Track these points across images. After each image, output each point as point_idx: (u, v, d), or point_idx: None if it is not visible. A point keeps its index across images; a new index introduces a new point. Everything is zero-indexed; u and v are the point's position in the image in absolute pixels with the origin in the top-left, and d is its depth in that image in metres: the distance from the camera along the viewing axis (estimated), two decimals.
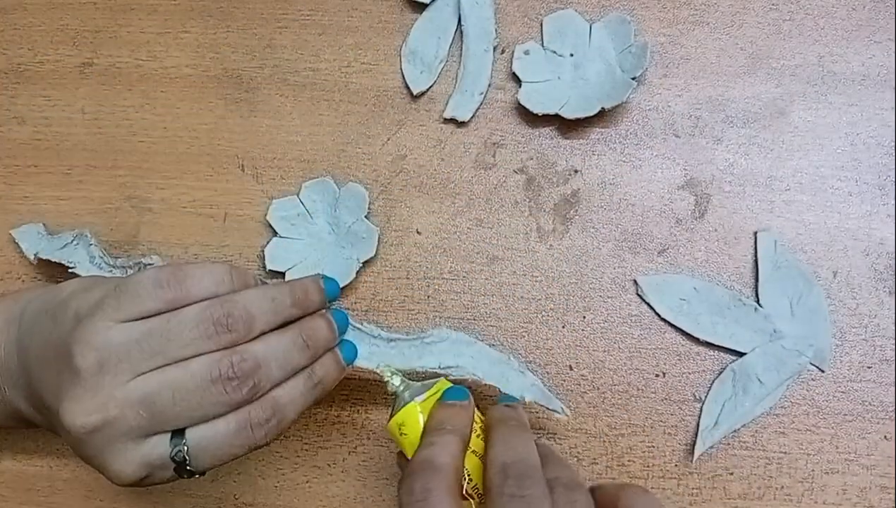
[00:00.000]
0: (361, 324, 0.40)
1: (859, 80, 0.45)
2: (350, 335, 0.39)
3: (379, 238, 0.44)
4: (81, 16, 0.49)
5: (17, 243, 0.45)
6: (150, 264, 0.42)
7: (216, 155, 0.46)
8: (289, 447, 0.43)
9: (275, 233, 0.45)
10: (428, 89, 0.46)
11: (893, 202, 0.43)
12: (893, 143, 0.44)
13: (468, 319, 0.44)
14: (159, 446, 0.32)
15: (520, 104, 0.45)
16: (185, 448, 0.32)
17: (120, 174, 0.47)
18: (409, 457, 0.33)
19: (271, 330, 0.35)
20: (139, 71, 0.48)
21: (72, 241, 0.44)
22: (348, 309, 0.44)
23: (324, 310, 0.38)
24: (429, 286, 0.44)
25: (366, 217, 0.44)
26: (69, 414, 0.32)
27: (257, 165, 0.46)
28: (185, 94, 0.47)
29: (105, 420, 0.32)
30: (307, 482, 0.43)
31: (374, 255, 0.44)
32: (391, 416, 0.35)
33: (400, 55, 0.47)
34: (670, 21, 0.46)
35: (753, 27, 0.46)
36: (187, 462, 0.33)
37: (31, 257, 0.44)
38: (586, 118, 0.44)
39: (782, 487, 0.41)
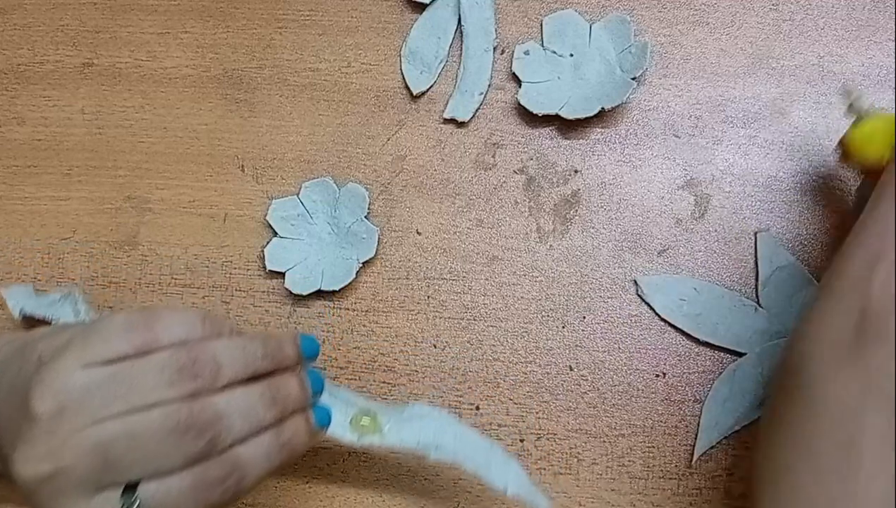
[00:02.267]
0: (338, 389, 0.38)
1: (859, 80, 0.45)
2: (324, 399, 0.37)
3: (379, 238, 0.44)
4: (81, 16, 0.49)
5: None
6: None
7: (216, 155, 0.46)
8: None
9: (275, 233, 0.45)
10: (428, 89, 0.46)
11: (893, 202, 0.43)
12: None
13: (468, 319, 0.44)
14: (110, 501, 0.30)
15: (520, 104, 0.45)
16: (137, 504, 0.30)
17: (120, 174, 0.47)
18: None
19: (240, 383, 0.33)
20: (139, 71, 0.48)
21: (59, 299, 0.43)
22: (348, 309, 0.44)
23: (297, 368, 0.36)
24: (429, 286, 0.44)
25: (366, 217, 0.44)
26: (20, 461, 0.30)
27: (257, 165, 0.46)
28: (185, 94, 0.47)
29: (57, 468, 0.30)
30: (307, 482, 0.43)
31: (374, 255, 0.44)
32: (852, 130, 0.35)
33: (400, 55, 0.47)
34: (670, 21, 0.46)
35: (753, 27, 0.46)
36: None
37: (16, 314, 0.43)
38: (586, 118, 0.44)
39: None
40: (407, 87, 0.46)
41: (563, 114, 0.44)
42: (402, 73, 0.46)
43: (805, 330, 0.30)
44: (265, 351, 0.34)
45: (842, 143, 0.37)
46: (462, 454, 0.37)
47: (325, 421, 0.36)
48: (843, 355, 0.28)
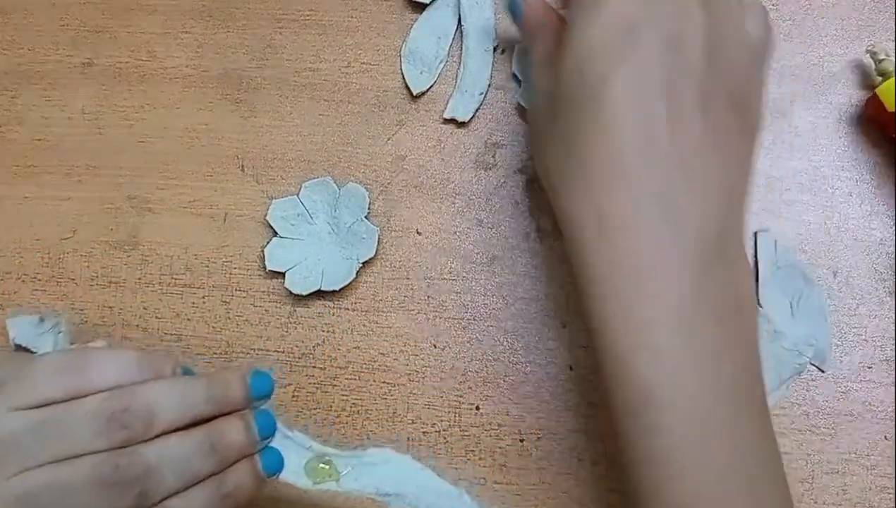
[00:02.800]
0: (291, 432, 0.36)
1: (859, 79, 0.45)
2: (276, 442, 0.35)
3: (379, 238, 0.44)
4: (81, 16, 0.49)
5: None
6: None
7: (216, 155, 0.46)
8: None
9: (275, 233, 0.45)
10: (428, 89, 0.46)
11: (893, 202, 0.43)
12: (894, 143, 0.44)
13: (468, 319, 0.44)
14: None
15: (520, 104, 0.45)
16: None
17: (120, 174, 0.47)
18: None
19: (177, 430, 0.32)
20: (139, 71, 0.48)
21: (50, 327, 0.43)
22: (348, 309, 0.44)
23: (245, 411, 0.34)
24: (429, 286, 0.44)
25: (366, 217, 0.44)
26: None
27: (257, 165, 0.46)
28: (185, 94, 0.47)
29: None
30: None
31: (374, 255, 0.44)
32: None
33: (400, 55, 0.47)
34: None
35: None
36: None
37: (12, 343, 0.43)
38: None
39: None
40: (407, 87, 0.46)
41: None
42: (402, 73, 0.46)
43: (576, 42, 0.32)
44: (208, 394, 0.33)
45: (871, 101, 0.42)
46: (425, 503, 0.36)
47: (276, 467, 0.35)
48: (617, 57, 0.31)
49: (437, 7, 0.47)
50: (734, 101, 0.32)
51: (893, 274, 0.43)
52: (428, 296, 0.44)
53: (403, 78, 0.46)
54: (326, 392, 0.43)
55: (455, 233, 0.45)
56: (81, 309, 0.45)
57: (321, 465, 0.36)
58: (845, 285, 0.43)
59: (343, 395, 0.43)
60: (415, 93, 0.46)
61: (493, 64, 0.46)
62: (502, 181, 0.45)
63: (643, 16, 0.31)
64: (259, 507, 0.41)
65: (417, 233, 0.45)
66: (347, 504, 0.41)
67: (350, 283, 0.43)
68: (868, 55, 0.43)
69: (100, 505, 0.30)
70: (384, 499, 0.36)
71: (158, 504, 0.31)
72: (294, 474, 0.35)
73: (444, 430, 0.42)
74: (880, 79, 0.42)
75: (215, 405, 0.33)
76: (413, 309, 0.44)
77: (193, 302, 0.45)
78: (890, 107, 0.41)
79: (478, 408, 0.43)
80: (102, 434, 0.30)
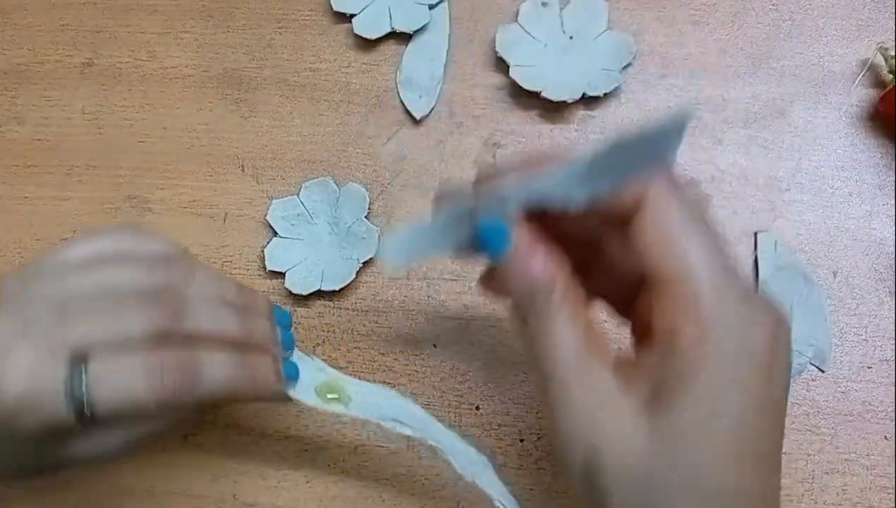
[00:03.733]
0: (307, 355, 0.37)
1: (859, 79, 0.45)
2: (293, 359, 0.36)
3: (379, 238, 0.44)
4: (81, 16, 0.49)
5: None
6: None
7: (216, 155, 0.46)
8: (289, 447, 0.43)
9: (275, 233, 0.45)
10: (430, 112, 0.46)
11: (893, 202, 0.43)
12: (894, 143, 0.44)
13: (468, 319, 0.44)
14: (57, 363, 0.29)
15: (519, 105, 0.45)
16: (84, 369, 0.29)
17: (120, 174, 0.47)
18: None
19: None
20: (139, 71, 0.48)
21: None
22: (348, 309, 0.44)
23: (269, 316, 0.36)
24: (429, 286, 0.44)
25: (366, 217, 0.44)
26: None
27: (257, 165, 0.46)
28: (185, 94, 0.47)
29: (20, 312, 0.30)
30: (307, 482, 0.43)
31: (374, 255, 0.44)
32: None
33: (396, 83, 0.46)
34: (670, 21, 0.46)
35: (753, 27, 0.46)
36: (83, 390, 0.29)
37: None
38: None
39: (782, 487, 0.41)
40: (408, 111, 0.46)
41: (551, 96, 0.44)
42: (400, 100, 0.46)
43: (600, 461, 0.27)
44: (238, 292, 0.35)
45: (887, 97, 0.42)
46: (430, 435, 0.37)
47: (293, 375, 0.35)
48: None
49: (426, 31, 0.47)
50: None
51: (893, 274, 0.43)
52: (428, 296, 0.44)
53: (402, 103, 0.46)
54: None
55: None
56: None
57: (330, 395, 0.36)
58: (845, 285, 0.43)
59: None
60: (417, 118, 0.46)
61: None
62: None
63: None
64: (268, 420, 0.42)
65: None
66: (353, 424, 0.41)
67: (350, 283, 0.43)
68: (879, 52, 0.43)
69: (132, 312, 0.31)
70: (389, 424, 0.36)
71: (188, 339, 0.32)
72: (306, 393, 0.36)
73: None
74: (892, 77, 0.42)
75: (242, 299, 0.35)
76: (413, 309, 0.44)
77: None
78: None
79: (478, 408, 0.43)
80: (148, 270, 0.32)
